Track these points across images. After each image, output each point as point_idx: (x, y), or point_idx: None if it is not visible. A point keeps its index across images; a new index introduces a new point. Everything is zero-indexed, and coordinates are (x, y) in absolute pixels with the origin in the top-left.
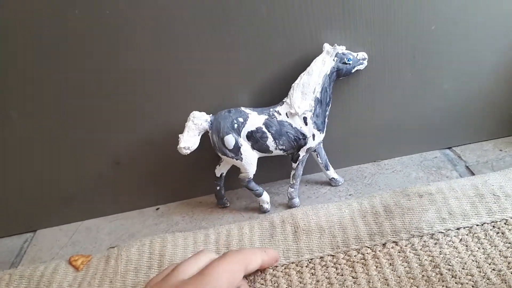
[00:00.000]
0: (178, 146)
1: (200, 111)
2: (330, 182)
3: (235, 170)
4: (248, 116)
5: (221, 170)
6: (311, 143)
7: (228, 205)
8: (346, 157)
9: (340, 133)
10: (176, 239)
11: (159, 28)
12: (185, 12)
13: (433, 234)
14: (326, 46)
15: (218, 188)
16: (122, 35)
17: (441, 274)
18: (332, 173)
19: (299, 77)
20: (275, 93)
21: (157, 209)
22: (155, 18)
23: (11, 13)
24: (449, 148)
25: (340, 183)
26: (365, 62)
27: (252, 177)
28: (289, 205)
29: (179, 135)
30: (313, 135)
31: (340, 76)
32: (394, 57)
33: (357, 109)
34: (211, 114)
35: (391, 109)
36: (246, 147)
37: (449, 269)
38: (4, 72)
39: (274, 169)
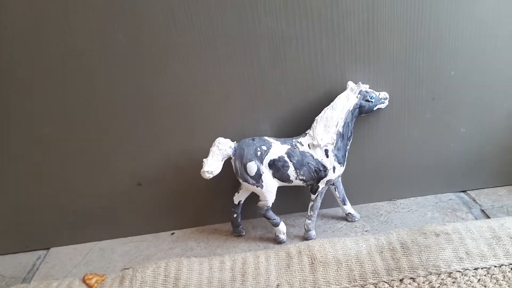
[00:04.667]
0: (202, 170)
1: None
2: (347, 217)
3: (252, 200)
4: (271, 145)
5: (240, 197)
6: (331, 175)
7: (244, 233)
8: (362, 194)
9: (358, 169)
10: (191, 264)
11: (190, 54)
12: (217, 42)
13: (450, 273)
14: (350, 83)
15: (235, 215)
16: (150, 59)
17: None
18: (349, 208)
19: (323, 111)
20: (298, 125)
21: (172, 233)
22: (185, 45)
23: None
24: (464, 191)
25: (356, 219)
26: (386, 102)
27: (270, 206)
28: (305, 237)
29: (204, 159)
30: (334, 168)
31: (362, 112)
32: (414, 99)
33: (376, 147)
34: (235, 141)
35: (408, 149)
36: (267, 175)
37: None
38: (35, 94)
39: (291, 200)
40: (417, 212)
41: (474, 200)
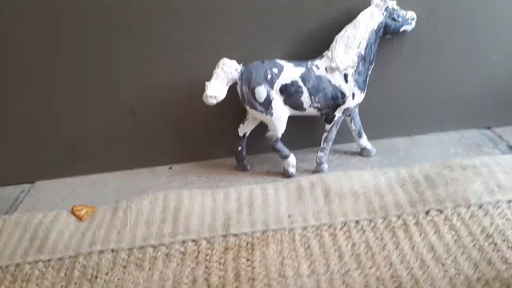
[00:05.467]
0: (204, 94)
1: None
2: (362, 152)
3: (259, 133)
4: (283, 68)
5: (246, 128)
6: (349, 103)
7: (249, 168)
8: (379, 128)
9: (376, 100)
10: (193, 195)
11: None
12: None
13: (481, 205)
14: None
15: (239, 148)
16: None
17: (495, 244)
18: (365, 141)
19: (343, 29)
20: (315, 46)
21: (170, 168)
22: None
23: None
24: (489, 128)
25: (372, 154)
26: (413, 23)
27: (280, 137)
28: (317, 171)
29: (206, 82)
30: (353, 94)
31: (387, 33)
32: (443, 21)
33: (397, 75)
34: (241, 64)
35: (432, 78)
36: (278, 101)
37: (504, 240)
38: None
39: (301, 134)
40: (438, 148)
41: (500, 137)
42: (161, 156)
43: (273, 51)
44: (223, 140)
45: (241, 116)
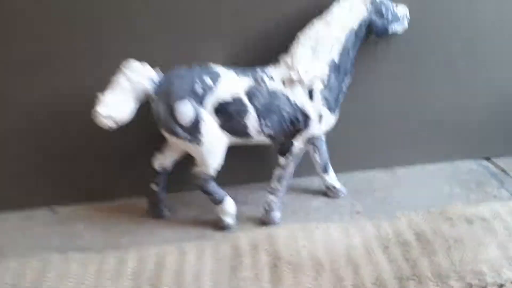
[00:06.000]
0: (93, 110)
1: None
2: (328, 192)
3: (187, 162)
4: (220, 77)
5: (164, 160)
6: (315, 129)
7: (168, 215)
8: (350, 158)
9: (348, 121)
10: (67, 263)
11: None
12: None
13: (502, 285)
14: None
15: (155, 188)
16: None
17: None
18: (331, 179)
19: (309, 26)
20: (269, 46)
21: (53, 212)
22: None
23: None
24: (487, 159)
25: (341, 195)
26: (406, 23)
27: (213, 175)
28: (265, 221)
29: (99, 94)
30: (320, 117)
31: (371, 34)
32: (441, 24)
33: (378, 90)
34: (158, 68)
35: (422, 95)
36: (210, 125)
37: None
38: None
39: (245, 164)
40: (428, 186)
41: (504, 171)
42: (42, 195)
43: (208, 52)
44: (131, 172)
45: (160, 139)
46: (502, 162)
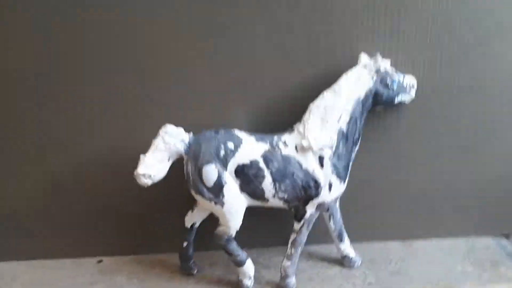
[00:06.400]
0: (136, 172)
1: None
2: (343, 261)
3: (213, 223)
4: (241, 142)
5: (194, 218)
6: (325, 196)
7: (195, 272)
8: (367, 229)
9: (362, 192)
10: None
11: None
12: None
13: None
14: (364, 57)
15: (185, 244)
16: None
17: None
18: (347, 247)
19: (320, 96)
20: (285, 115)
21: (100, 261)
22: None
23: None
24: (506, 236)
25: (356, 265)
26: (413, 92)
27: (234, 234)
28: (281, 286)
29: (141, 155)
30: (330, 185)
31: (378, 104)
32: (451, 91)
33: (391, 160)
34: (190, 132)
35: (437, 168)
36: (232, 187)
37: None
38: None
39: (267, 229)
40: (441, 262)
41: None
42: (89, 246)
43: (231, 117)
44: (167, 230)
45: (191, 202)
46: None
